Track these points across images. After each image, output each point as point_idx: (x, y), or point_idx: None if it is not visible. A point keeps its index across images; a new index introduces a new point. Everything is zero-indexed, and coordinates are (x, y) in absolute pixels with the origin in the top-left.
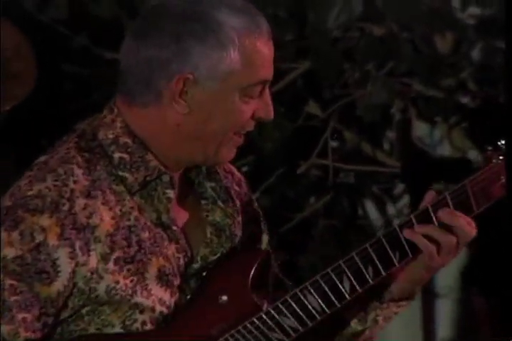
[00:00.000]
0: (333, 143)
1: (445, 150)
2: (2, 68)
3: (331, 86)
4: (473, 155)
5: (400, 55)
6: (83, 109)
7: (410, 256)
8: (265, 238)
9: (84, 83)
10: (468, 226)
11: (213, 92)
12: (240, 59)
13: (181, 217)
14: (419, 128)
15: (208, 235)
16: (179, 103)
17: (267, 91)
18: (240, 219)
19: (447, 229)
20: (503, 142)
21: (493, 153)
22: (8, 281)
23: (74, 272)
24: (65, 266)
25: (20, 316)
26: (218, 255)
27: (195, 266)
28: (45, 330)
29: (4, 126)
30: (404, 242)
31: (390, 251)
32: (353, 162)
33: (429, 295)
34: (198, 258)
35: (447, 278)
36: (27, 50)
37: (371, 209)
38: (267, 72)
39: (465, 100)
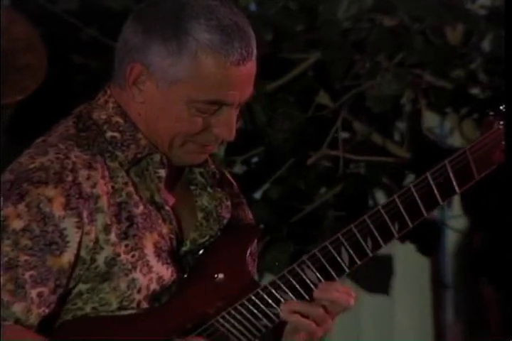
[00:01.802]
0: (344, 134)
1: (455, 141)
2: (12, 60)
3: (341, 77)
4: None
5: (410, 46)
6: (90, 100)
7: (410, 226)
8: None
9: (94, 74)
10: (342, 299)
11: (164, 92)
12: (192, 72)
13: (171, 201)
14: (430, 119)
15: (199, 219)
16: (133, 90)
17: (228, 112)
18: (228, 203)
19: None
20: (503, 107)
21: (494, 118)
22: (22, 257)
23: (81, 241)
24: (73, 235)
25: (35, 291)
26: (207, 238)
27: (184, 248)
28: (57, 303)
29: (15, 118)
30: (404, 213)
31: (389, 222)
32: (364, 153)
33: (438, 286)
34: (188, 242)
35: (457, 268)
36: (37, 41)
37: (381, 199)
38: (226, 95)
39: (475, 91)
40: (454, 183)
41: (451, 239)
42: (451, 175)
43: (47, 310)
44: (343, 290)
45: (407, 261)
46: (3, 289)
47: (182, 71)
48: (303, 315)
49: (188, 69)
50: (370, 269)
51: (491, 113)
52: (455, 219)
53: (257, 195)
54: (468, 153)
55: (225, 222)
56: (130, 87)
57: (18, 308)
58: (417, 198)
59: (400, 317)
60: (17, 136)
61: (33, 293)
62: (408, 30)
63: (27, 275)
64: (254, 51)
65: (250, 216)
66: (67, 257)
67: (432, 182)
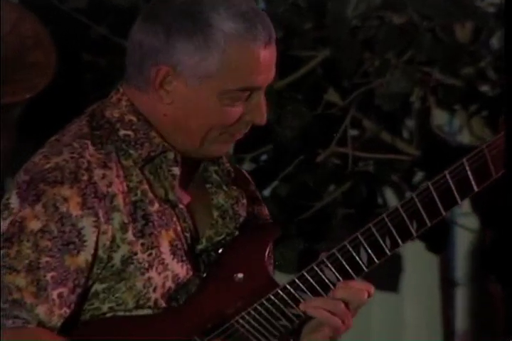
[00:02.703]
0: (353, 132)
1: (464, 139)
2: (21, 57)
3: (350, 74)
4: None
5: (419, 44)
6: (103, 99)
7: (429, 225)
8: None
9: (103, 72)
10: (359, 295)
11: (195, 89)
12: (223, 63)
13: (186, 199)
14: (439, 117)
15: (214, 217)
16: (160, 92)
17: (259, 96)
18: (244, 201)
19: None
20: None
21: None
22: (43, 259)
23: (98, 240)
24: (90, 235)
25: (56, 292)
26: (223, 236)
27: (200, 247)
28: (77, 303)
29: (24, 116)
30: (423, 211)
31: (407, 221)
32: (373, 150)
33: (448, 284)
34: (203, 240)
35: (466, 266)
36: (46, 39)
37: (390, 197)
38: (256, 79)
39: (484, 88)
40: (473, 181)
41: (460, 237)
42: (469, 173)
43: (68, 311)
44: (362, 287)
45: (417, 259)
46: (25, 291)
47: (212, 65)
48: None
49: (219, 62)
50: (379, 267)
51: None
52: (465, 217)
53: (266, 193)
54: (486, 151)
55: (241, 220)
56: (157, 90)
57: (41, 310)
58: (436, 197)
59: (409, 314)
60: (27, 134)
61: (54, 294)
62: (417, 28)
63: (48, 276)
64: (274, 32)
65: (266, 212)
66: (85, 256)
67: (450, 180)
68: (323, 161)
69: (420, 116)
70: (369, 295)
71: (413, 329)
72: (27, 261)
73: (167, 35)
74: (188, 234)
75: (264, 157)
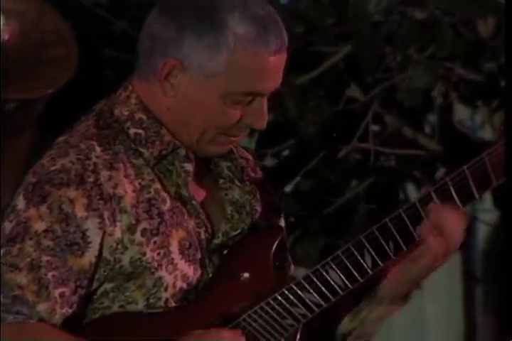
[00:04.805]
0: (375, 127)
1: (486, 134)
2: (42, 52)
3: (372, 70)
4: None
5: (441, 39)
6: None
7: None
8: (282, 223)
9: (124, 68)
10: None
11: (199, 86)
12: (230, 65)
13: (199, 195)
14: (461, 112)
15: (228, 212)
16: (164, 84)
17: (261, 102)
18: (258, 196)
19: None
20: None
21: None
22: (45, 258)
23: (103, 242)
24: (95, 236)
25: (57, 291)
26: (239, 230)
27: (216, 241)
28: (80, 303)
29: (45, 112)
30: (425, 217)
31: (410, 226)
32: (394, 146)
33: (469, 279)
34: (220, 234)
35: (487, 261)
36: (68, 34)
37: (412, 192)
38: (261, 85)
39: None
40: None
41: (482, 233)
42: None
43: (70, 310)
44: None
45: None
46: (26, 290)
47: (219, 64)
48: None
49: (226, 62)
50: None
51: None
52: (486, 213)
53: (288, 188)
54: (486, 159)
55: (257, 215)
56: (162, 81)
57: (42, 308)
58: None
59: (431, 310)
60: (46, 131)
61: (56, 293)
62: (439, 23)
63: (50, 275)
64: (287, 40)
65: (275, 196)
66: (88, 258)
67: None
68: (345, 157)
69: (442, 111)
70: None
71: (434, 324)
72: (29, 260)
73: (179, 30)
74: (200, 230)
75: (286, 152)
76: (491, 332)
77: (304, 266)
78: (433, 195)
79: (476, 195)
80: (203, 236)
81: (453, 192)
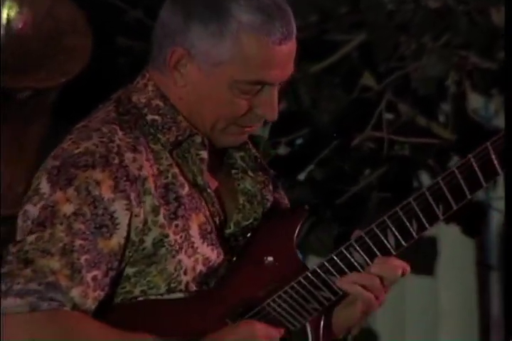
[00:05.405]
0: (388, 116)
1: (500, 123)
2: (57, 41)
3: (386, 58)
4: None
5: (455, 28)
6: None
7: (455, 208)
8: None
9: (138, 56)
10: (394, 271)
11: (207, 75)
12: (235, 53)
13: (212, 184)
14: (475, 101)
15: (241, 202)
16: (174, 74)
17: (271, 91)
18: (271, 187)
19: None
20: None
21: None
22: (78, 242)
23: (130, 223)
24: (123, 218)
25: (90, 275)
26: (251, 220)
27: (228, 231)
28: (111, 286)
29: (59, 101)
30: (448, 195)
31: (433, 204)
32: (408, 134)
33: (483, 267)
34: (231, 224)
35: (502, 249)
36: (82, 23)
37: (426, 181)
38: (268, 74)
39: None
40: (497, 165)
41: (496, 221)
42: (493, 156)
43: (102, 293)
44: (398, 264)
45: (452, 243)
46: (60, 275)
47: (224, 53)
48: (363, 287)
49: (231, 51)
50: (414, 250)
51: None
52: (500, 201)
53: (302, 177)
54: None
55: (268, 204)
56: (171, 71)
57: (76, 293)
58: (461, 180)
59: (445, 298)
60: (61, 119)
61: (89, 276)
62: (453, 12)
63: (82, 259)
64: (295, 29)
65: (286, 201)
66: (117, 239)
67: (474, 164)
68: (359, 145)
69: (456, 100)
70: (403, 273)
71: (448, 313)
72: (61, 244)
73: (186, 18)
74: (216, 219)
75: (299, 141)
76: (505, 320)
77: (317, 255)
78: (456, 172)
79: (499, 171)
80: (218, 225)
81: (476, 169)
